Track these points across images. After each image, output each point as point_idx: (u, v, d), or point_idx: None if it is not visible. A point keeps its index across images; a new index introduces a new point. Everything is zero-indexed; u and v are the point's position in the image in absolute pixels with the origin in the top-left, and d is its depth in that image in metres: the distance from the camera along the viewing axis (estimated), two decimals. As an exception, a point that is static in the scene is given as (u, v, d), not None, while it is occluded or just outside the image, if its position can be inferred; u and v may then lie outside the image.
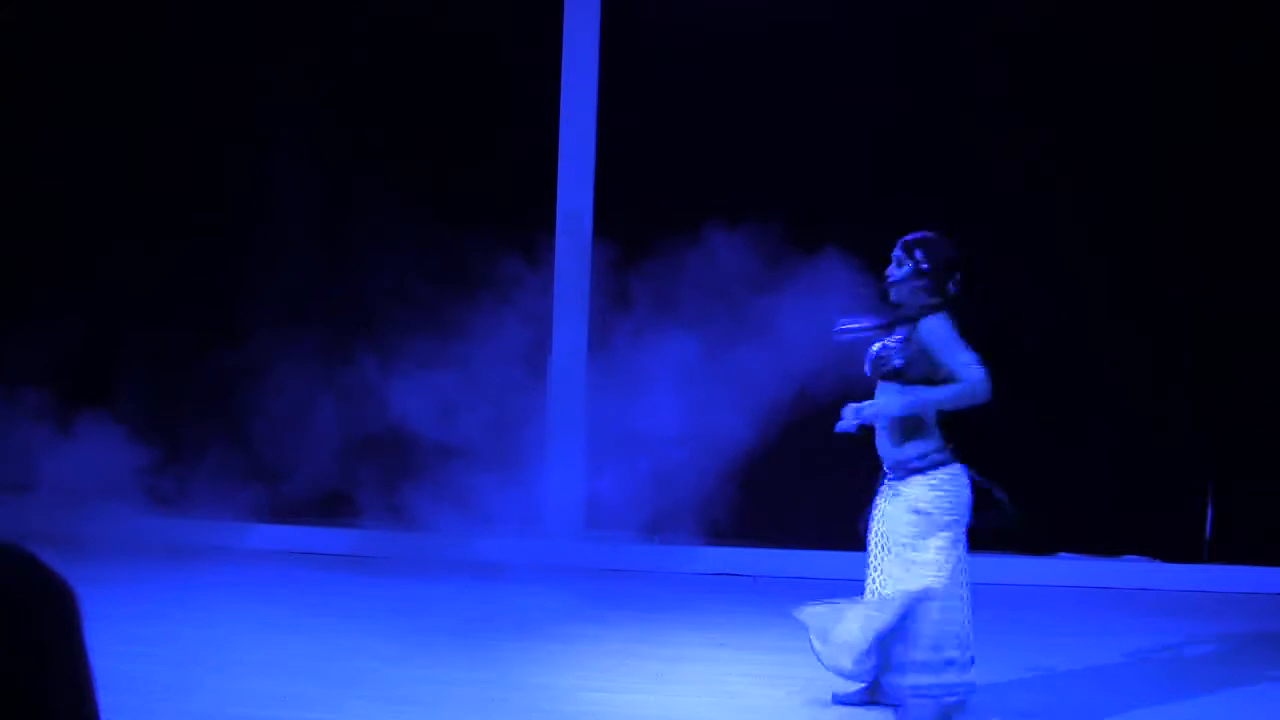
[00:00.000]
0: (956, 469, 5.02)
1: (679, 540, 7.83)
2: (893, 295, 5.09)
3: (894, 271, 5.06)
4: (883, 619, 5.08)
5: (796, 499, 7.67)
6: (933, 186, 7.63)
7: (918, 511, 5.02)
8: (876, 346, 5.07)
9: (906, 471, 5.03)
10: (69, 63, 8.16)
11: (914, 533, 5.01)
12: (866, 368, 5.11)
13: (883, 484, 5.19)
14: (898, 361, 4.96)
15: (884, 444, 5.10)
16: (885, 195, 7.37)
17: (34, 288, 8.04)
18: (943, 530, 4.99)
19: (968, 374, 4.86)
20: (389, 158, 7.92)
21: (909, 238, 5.09)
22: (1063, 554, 7.99)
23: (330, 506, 8.11)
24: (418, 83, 8.02)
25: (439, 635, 6.28)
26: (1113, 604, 7.38)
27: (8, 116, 8.20)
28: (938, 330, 4.90)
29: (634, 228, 7.61)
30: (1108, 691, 5.71)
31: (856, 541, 7.80)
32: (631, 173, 7.86)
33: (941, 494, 5.00)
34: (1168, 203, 7.74)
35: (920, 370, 4.92)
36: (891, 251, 5.10)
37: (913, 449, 5.06)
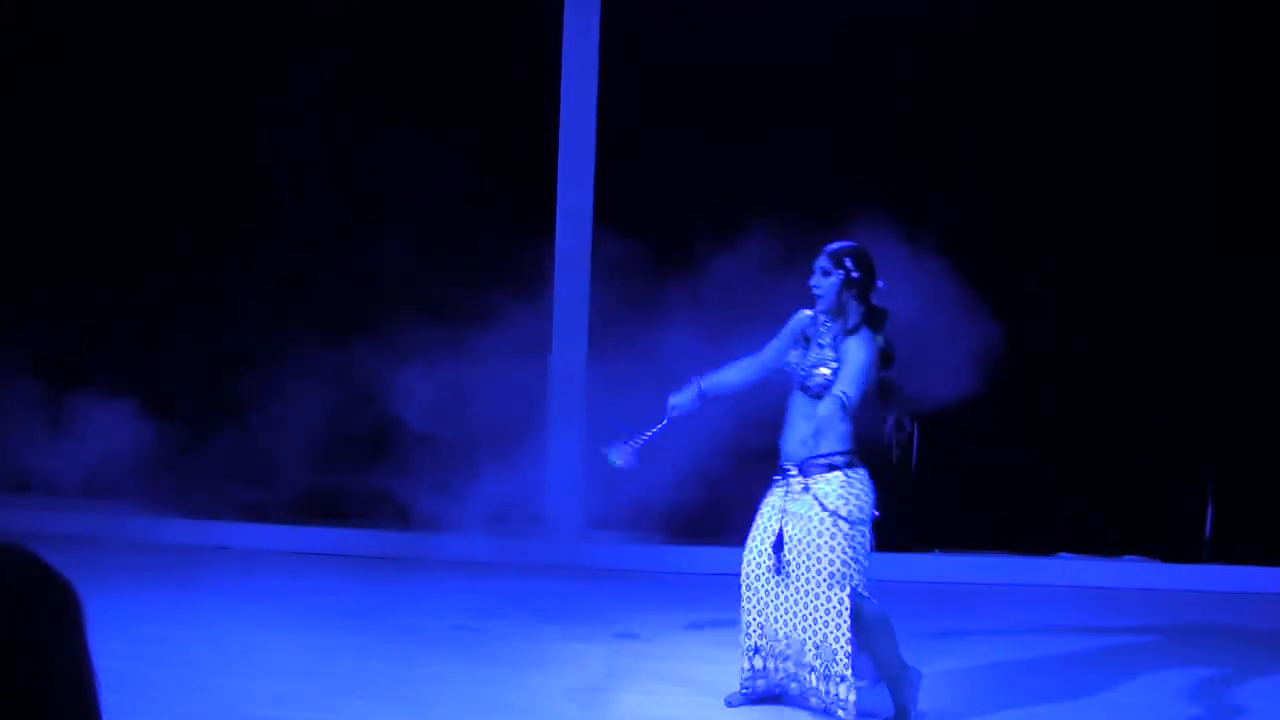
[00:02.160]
0: (863, 470, 5.17)
1: (678, 540, 7.83)
2: (822, 305, 5.22)
3: (822, 282, 5.19)
4: (844, 629, 5.10)
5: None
6: (932, 185, 7.63)
7: (835, 514, 5.05)
8: (825, 371, 5.13)
9: (817, 470, 5.10)
10: (65, 45, 8.12)
11: (832, 534, 5.06)
12: (814, 386, 5.15)
13: (782, 482, 5.21)
14: (826, 382, 5.10)
15: (800, 443, 5.14)
16: (887, 195, 7.35)
17: (32, 284, 7.99)
18: (862, 528, 5.10)
19: (845, 398, 5.00)
20: (388, 159, 7.91)
21: (835, 247, 5.24)
22: (1063, 554, 7.98)
23: (330, 506, 8.10)
24: (415, 84, 8.00)
25: (439, 635, 6.28)
26: (1112, 604, 7.38)
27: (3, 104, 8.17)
28: (859, 355, 5.07)
29: (634, 228, 7.61)
30: (1107, 692, 5.71)
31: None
32: (631, 173, 7.85)
33: (858, 491, 5.11)
34: (1167, 201, 7.74)
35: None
36: (814, 262, 5.22)
37: (828, 447, 5.10)
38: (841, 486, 5.09)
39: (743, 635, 5.36)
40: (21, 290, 8.03)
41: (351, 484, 7.79)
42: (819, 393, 5.11)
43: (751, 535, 5.35)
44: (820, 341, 5.22)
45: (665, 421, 5.46)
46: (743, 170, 7.68)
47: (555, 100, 7.90)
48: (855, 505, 5.10)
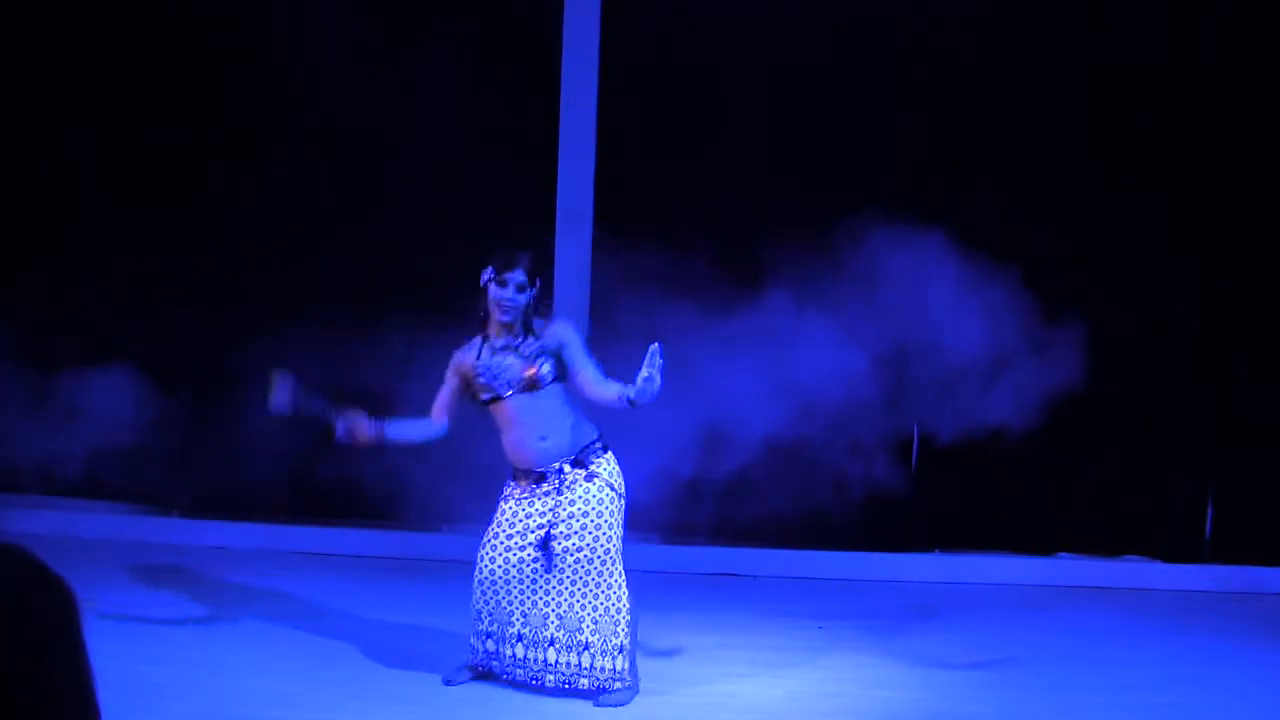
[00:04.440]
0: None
1: (679, 540, 7.83)
2: (510, 317, 5.30)
3: (518, 298, 5.28)
4: (622, 604, 5.24)
5: (793, 499, 7.66)
6: (931, 185, 7.63)
7: (616, 490, 5.25)
8: (518, 366, 5.25)
9: (595, 455, 5.28)
10: (65, 21, 8.12)
11: (615, 511, 5.23)
12: (505, 388, 5.27)
13: (548, 483, 5.27)
14: (551, 374, 5.25)
15: (559, 439, 5.26)
16: (887, 195, 7.35)
17: (26, 279, 7.97)
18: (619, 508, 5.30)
19: (601, 375, 5.23)
20: (387, 160, 7.91)
21: (528, 262, 5.33)
22: (1062, 554, 7.98)
23: (328, 506, 8.10)
24: (414, 83, 8.00)
25: (439, 635, 6.28)
26: (1112, 604, 7.38)
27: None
28: (575, 334, 5.32)
29: (634, 228, 7.60)
30: (1107, 692, 5.70)
31: (852, 542, 7.87)
32: (631, 173, 7.85)
33: (619, 474, 5.33)
34: (1167, 201, 7.73)
35: (556, 374, 5.28)
36: (506, 275, 5.27)
37: (589, 435, 5.32)
38: (614, 463, 5.32)
39: (475, 621, 5.40)
40: (14, 284, 7.99)
41: (350, 484, 7.78)
42: (546, 387, 5.24)
43: (498, 537, 5.35)
44: (511, 346, 5.30)
45: (330, 411, 5.44)
46: (742, 170, 7.68)
47: (555, 100, 7.90)
48: (621, 479, 5.33)
